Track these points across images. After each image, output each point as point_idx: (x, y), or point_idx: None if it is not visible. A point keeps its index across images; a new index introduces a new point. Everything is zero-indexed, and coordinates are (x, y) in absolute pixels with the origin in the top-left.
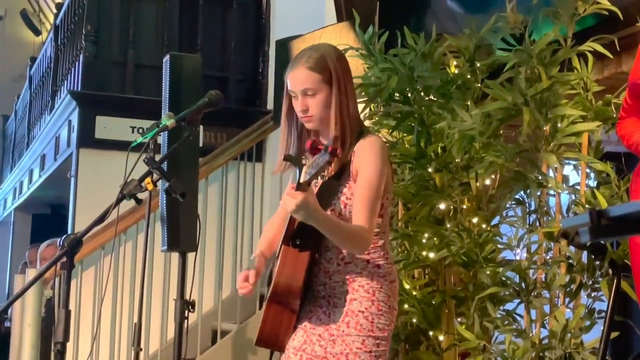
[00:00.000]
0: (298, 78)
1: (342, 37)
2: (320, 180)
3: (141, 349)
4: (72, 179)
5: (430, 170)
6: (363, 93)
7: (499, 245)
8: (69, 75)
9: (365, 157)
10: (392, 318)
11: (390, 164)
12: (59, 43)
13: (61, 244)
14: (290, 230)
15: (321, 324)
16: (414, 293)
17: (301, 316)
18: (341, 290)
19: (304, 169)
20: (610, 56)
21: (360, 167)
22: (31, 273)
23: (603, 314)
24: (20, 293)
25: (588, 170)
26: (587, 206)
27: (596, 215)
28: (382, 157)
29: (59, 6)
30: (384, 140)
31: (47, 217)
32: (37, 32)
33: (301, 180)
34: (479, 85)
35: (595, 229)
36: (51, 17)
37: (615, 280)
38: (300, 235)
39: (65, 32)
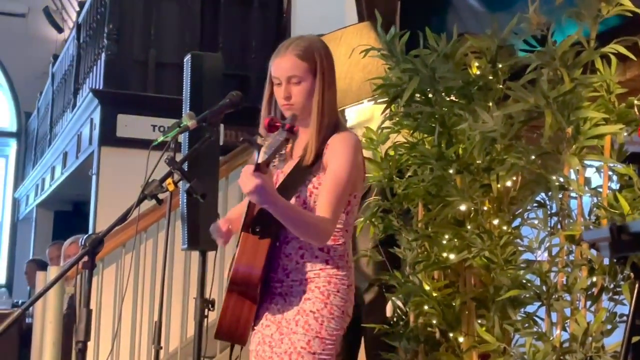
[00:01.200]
0: (285, 65)
1: (363, 37)
2: (277, 161)
3: (161, 347)
4: (94, 177)
5: (451, 171)
6: (384, 94)
7: (519, 248)
8: (90, 73)
9: (337, 150)
10: (342, 324)
11: (363, 162)
12: (81, 41)
13: (83, 243)
14: (250, 216)
15: (274, 322)
16: (434, 294)
17: (258, 314)
18: (298, 289)
19: (262, 149)
20: (634, 58)
21: (330, 160)
22: (53, 271)
23: (624, 318)
24: (42, 291)
25: (610, 173)
26: (609, 209)
27: (617, 231)
28: (353, 153)
29: (81, 4)
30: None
31: (68, 214)
32: (60, 30)
33: (259, 161)
34: (501, 86)
35: (615, 244)
36: (74, 15)
37: (637, 284)
38: (260, 222)
39: (87, 30)
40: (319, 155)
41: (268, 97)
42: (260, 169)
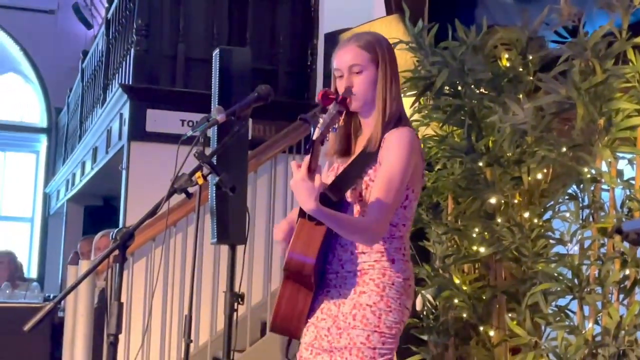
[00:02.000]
0: (346, 55)
1: (391, 30)
2: (331, 134)
3: (191, 341)
4: (124, 172)
5: (480, 164)
6: (413, 86)
7: (551, 241)
8: (120, 69)
9: (393, 145)
10: (402, 317)
11: (422, 157)
12: (111, 37)
13: (113, 237)
14: None
15: (330, 315)
16: (464, 288)
17: (313, 307)
18: (352, 281)
19: (318, 125)
20: None
21: (385, 156)
22: (84, 265)
23: None
24: (74, 285)
25: None
26: None
27: None
28: (409, 148)
29: (110, 0)
30: (432, 131)
31: (99, 208)
32: (89, 26)
33: (314, 137)
34: (531, 78)
35: None
36: (103, 11)
37: None
38: None
39: (116, 26)
40: (377, 148)
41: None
42: (313, 144)
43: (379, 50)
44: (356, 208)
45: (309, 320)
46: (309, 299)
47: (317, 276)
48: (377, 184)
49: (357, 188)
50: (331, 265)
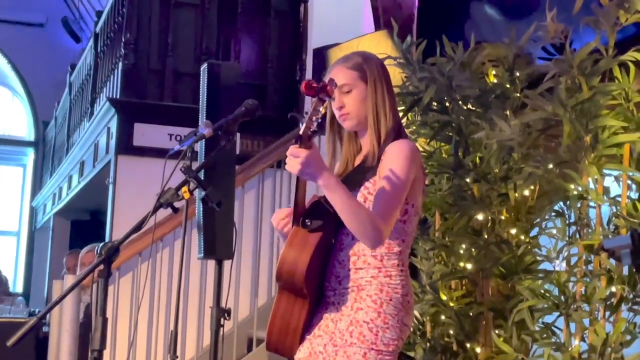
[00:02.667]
0: (335, 76)
1: (379, 45)
2: (315, 125)
3: (177, 357)
4: (110, 186)
5: (468, 180)
6: (401, 102)
7: (537, 257)
8: (108, 83)
9: (393, 156)
10: (400, 334)
11: (422, 171)
12: (99, 50)
13: (98, 251)
14: (300, 209)
15: (327, 332)
16: (451, 304)
17: (312, 322)
18: (349, 297)
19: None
20: None
21: (385, 168)
22: (69, 279)
23: None
24: (58, 300)
25: (629, 182)
26: (628, 218)
27: (638, 238)
28: (409, 160)
29: (99, 14)
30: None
31: (86, 223)
32: (78, 40)
33: (300, 132)
34: (518, 94)
35: (636, 251)
36: (91, 25)
37: None
38: (310, 215)
39: (104, 39)
40: (376, 162)
41: (330, 118)
42: (301, 139)
43: (367, 68)
44: None
45: (305, 335)
46: (303, 312)
47: (312, 287)
48: (378, 194)
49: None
50: (329, 282)
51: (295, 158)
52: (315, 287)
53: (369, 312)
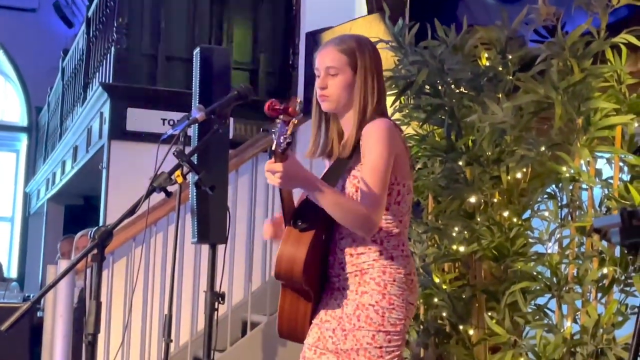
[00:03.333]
0: (324, 56)
1: (372, 29)
2: (285, 142)
3: (171, 340)
4: (104, 170)
5: (460, 163)
6: (393, 86)
7: (530, 240)
8: (100, 68)
9: (371, 139)
10: (406, 313)
11: (404, 147)
12: (91, 35)
13: (92, 236)
14: (289, 211)
15: (335, 317)
16: (444, 287)
17: (318, 308)
18: (353, 282)
19: (274, 136)
20: None
21: (366, 150)
22: (63, 264)
23: (636, 310)
24: (52, 284)
25: (621, 164)
26: (620, 200)
27: (628, 216)
28: (387, 140)
29: None
30: (412, 130)
31: (79, 208)
32: (70, 24)
33: (273, 148)
34: (511, 77)
35: (626, 230)
36: (83, 9)
37: None
38: (301, 216)
39: (97, 24)
40: (356, 148)
41: (316, 99)
42: (276, 156)
43: (359, 55)
44: None
45: (312, 321)
46: (309, 305)
47: (312, 281)
48: (363, 178)
49: (342, 188)
50: (333, 268)
51: (273, 174)
52: (316, 279)
53: (374, 295)
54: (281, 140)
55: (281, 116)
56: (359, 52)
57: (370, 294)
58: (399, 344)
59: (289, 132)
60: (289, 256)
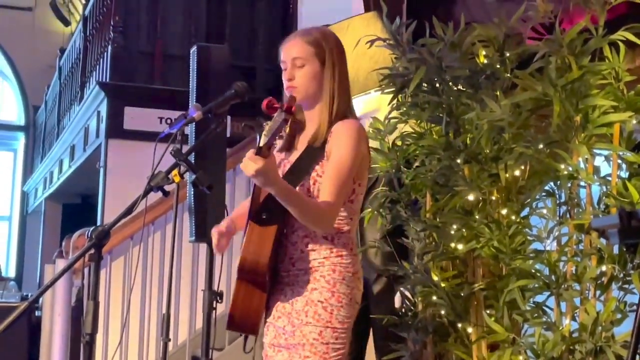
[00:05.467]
0: (290, 48)
1: (369, 27)
2: (278, 142)
3: (170, 340)
4: (101, 169)
5: (458, 161)
6: (391, 84)
7: (528, 237)
8: (97, 66)
9: (340, 138)
10: (352, 312)
11: (368, 150)
12: (88, 34)
13: (89, 235)
14: (255, 205)
15: (284, 313)
16: (442, 285)
17: (269, 305)
18: (303, 279)
19: (264, 132)
20: None
21: (333, 148)
22: (61, 264)
23: (634, 307)
24: (49, 284)
25: (620, 162)
26: (618, 198)
27: (626, 216)
28: (356, 141)
29: None
30: (409, 129)
31: (77, 206)
32: (67, 23)
33: (261, 144)
34: (509, 75)
35: (624, 230)
36: (80, 8)
37: None
38: (266, 209)
39: (93, 23)
40: (324, 143)
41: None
42: (262, 152)
43: (325, 46)
44: None
45: (267, 320)
46: (263, 297)
47: (270, 274)
48: (327, 174)
49: (305, 184)
50: (283, 263)
51: (252, 163)
52: (272, 271)
53: (323, 292)
54: (276, 137)
55: (282, 114)
56: (326, 43)
57: (319, 291)
58: (345, 341)
59: (287, 130)
60: (254, 252)
